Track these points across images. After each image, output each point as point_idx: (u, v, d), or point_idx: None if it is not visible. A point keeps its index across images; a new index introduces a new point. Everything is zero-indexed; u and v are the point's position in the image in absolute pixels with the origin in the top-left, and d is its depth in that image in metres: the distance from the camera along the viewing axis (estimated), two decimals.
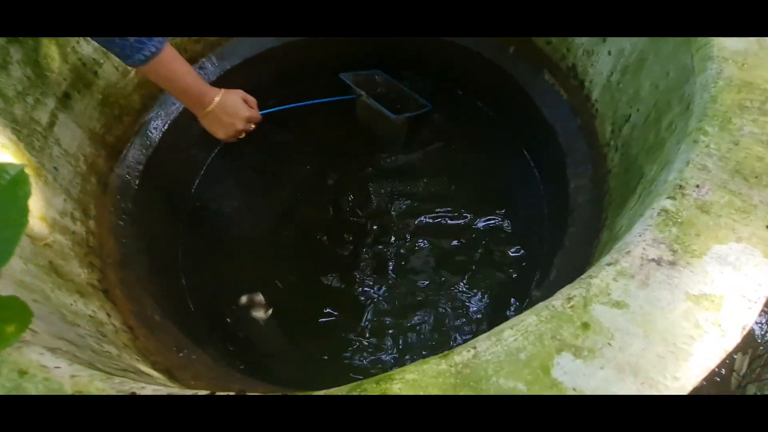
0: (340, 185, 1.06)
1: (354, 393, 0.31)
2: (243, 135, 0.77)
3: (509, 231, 0.99)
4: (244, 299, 0.92)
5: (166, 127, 0.93)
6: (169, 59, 0.63)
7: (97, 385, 0.31)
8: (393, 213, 1.01)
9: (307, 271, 0.95)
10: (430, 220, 1.01)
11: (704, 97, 0.42)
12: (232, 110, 0.72)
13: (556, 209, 0.92)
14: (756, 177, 0.36)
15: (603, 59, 0.74)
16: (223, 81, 1.03)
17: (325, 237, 0.99)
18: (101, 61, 0.80)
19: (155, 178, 0.91)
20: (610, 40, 0.71)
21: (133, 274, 0.76)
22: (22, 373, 0.32)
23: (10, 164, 0.29)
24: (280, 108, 0.88)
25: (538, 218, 0.98)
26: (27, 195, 0.30)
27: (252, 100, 0.78)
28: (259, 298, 0.92)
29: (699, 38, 0.47)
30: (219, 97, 0.70)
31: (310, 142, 1.11)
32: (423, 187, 1.05)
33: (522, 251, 0.96)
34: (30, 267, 0.52)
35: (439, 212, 1.02)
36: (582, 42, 0.79)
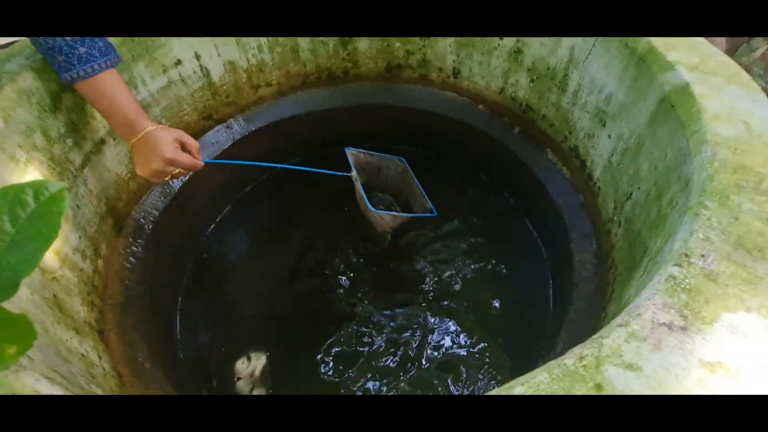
0: (343, 252, 1.07)
1: None
2: (168, 178, 0.68)
3: (515, 306, 0.97)
4: (234, 358, 0.89)
5: (186, 178, 0.98)
6: (104, 81, 0.63)
7: None
8: (393, 284, 1.00)
9: (298, 335, 0.93)
10: (433, 289, 1.01)
11: (702, 175, 0.44)
12: (153, 146, 0.64)
13: (561, 283, 0.92)
14: (759, 251, 0.37)
15: (603, 142, 0.79)
16: (247, 140, 1.11)
17: (320, 303, 0.97)
18: None
19: (168, 226, 0.93)
20: (609, 124, 0.77)
21: (131, 320, 0.74)
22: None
23: (53, 182, 0.31)
24: (238, 162, 0.84)
25: (543, 292, 0.98)
26: (61, 212, 0.31)
27: (192, 144, 0.70)
28: (249, 357, 0.89)
29: (693, 124, 0.51)
30: (147, 130, 0.65)
31: (319, 204, 1.15)
32: (428, 257, 1.06)
33: (528, 325, 0.94)
34: (35, 297, 0.52)
35: (444, 282, 1.02)
36: (583, 126, 0.85)
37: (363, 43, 1.09)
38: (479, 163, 1.20)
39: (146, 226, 0.90)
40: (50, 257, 0.61)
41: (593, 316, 0.71)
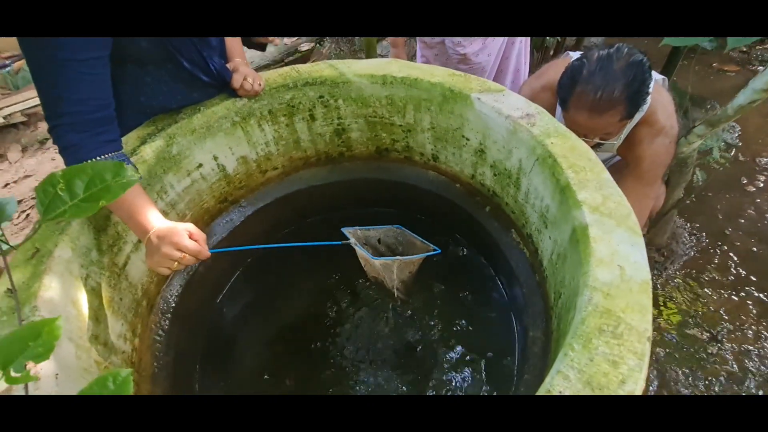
0: (339, 317, 1.24)
1: None
2: (176, 266, 0.74)
3: (483, 370, 1.12)
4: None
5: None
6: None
7: None
8: (378, 346, 1.16)
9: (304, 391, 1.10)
10: (410, 347, 1.17)
11: (578, 318, 0.60)
12: (162, 236, 0.73)
13: (522, 353, 1.07)
14: (600, 389, 0.53)
15: (546, 240, 0.94)
16: (257, 214, 1.30)
17: (319, 357, 1.15)
18: (168, 211, 1.06)
19: (188, 299, 1.12)
20: (549, 228, 0.92)
21: (160, 388, 0.93)
22: None
23: (120, 372, 0.48)
24: (241, 248, 0.92)
25: (509, 358, 1.12)
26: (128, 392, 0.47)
27: (199, 234, 0.77)
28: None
29: (584, 265, 0.67)
30: (158, 225, 0.74)
31: (319, 264, 1.32)
32: (411, 317, 1.22)
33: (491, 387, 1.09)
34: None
35: (422, 341, 1.18)
36: (534, 221, 1.00)
37: (355, 134, 1.27)
38: (457, 231, 1.36)
39: (172, 301, 1.09)
40: (102, 349, 0.80)
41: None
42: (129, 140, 0.95)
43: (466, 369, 1.11)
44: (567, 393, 0.53)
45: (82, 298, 0.77)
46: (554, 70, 1.17)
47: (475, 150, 1.11)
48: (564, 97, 1.02)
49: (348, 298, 1.28)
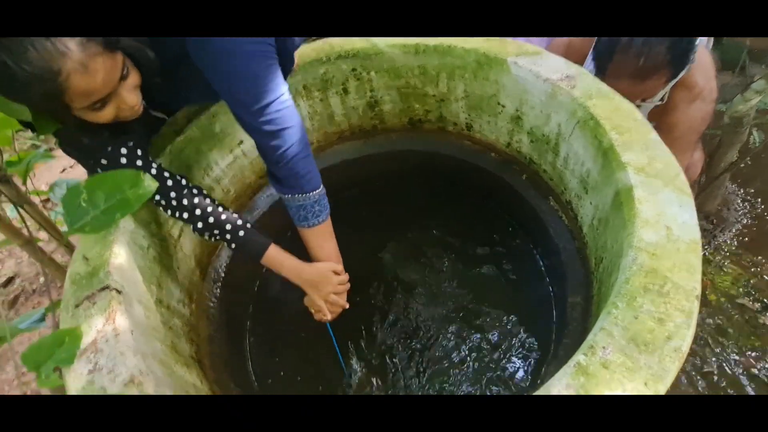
0: (379, 283, 1.27)
1: None
2: (340, 305, 0.94)
3: (517, 334, 1.13)
4: (293, 375, 1.13)
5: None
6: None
7: None
8: (420, 316, 1.19)
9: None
10: (451, 319, 1.19)
11: (621, 278, 0.60)
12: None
13: (560, 319, 1.07)
14: (645, 345, 0.53)
15: (587, 206, 0.93)
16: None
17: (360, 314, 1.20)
18: (213, 186, 1.12)
19: (236, 268, 1.19)
20: (590, 193, 0.90)
21: (216, 349, 1.01)
22: None
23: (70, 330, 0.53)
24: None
25: (546, 326, 1.12)
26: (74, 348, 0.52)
27: (338, 268, 0.93)
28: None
29: (629, 226, 0.66)
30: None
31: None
32: (447, 286, 1.25)
33: (528, 361, 1.09)
34: (163, 347, 0.77)
35: (459, 313, 1.20)
36: (574, 187, 0.98)
37: (387, 106, 1.27)
38: (494, 200, 1.35)
39: (221, 271, 1.16)
40: (165, 312, 0.87)
41: None
42: (177, 119, 1.00)
43: (503, 335, 1.13)
44: (610, 348, 0.53)
45: (146, 266, 0.84)
46: None
47: (511, 117, 1.09)
48: (602, 65, 0.97)
49: (391, 265, 1.31)
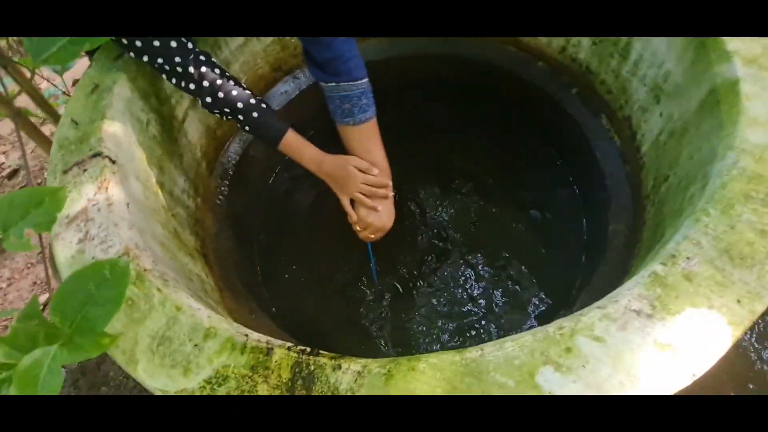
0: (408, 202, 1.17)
1: (389, 366, 0.43)
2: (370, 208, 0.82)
3: (545, 262, 1.06)
4: (299, 276, 1.08)
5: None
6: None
7: (223, 326, 0.47)
8: (449, 241, 1.11)
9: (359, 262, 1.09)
10: (473, 230, 1.11)
11: (716, 182, 0.49)
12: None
13: (593, 248, 0.99)
14: (741, 258, 0.43)
15: (655, 118, 0.79)
16: (313, 89, 1.19)
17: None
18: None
19: (246, 167, 1.09)
20: (663, 102, 0.76)
21: (223, 245, 0.94)
22: (178, 308, 0.48)
23: (121, 260, 0.42)
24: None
25: (576, 253, 1.04)
26: (126, 284, 0.40)
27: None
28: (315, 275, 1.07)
29: (729, 126, 0.53)
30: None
31: None
32: (473, 211, 1.15)
33: (553, 282, 1.03)
34: (165, 232, 0.70)
35: (486, 223, 1.11)
36: (639, 98, 0.84)
37: None
38: (532, 119, 1.21)
39: (230, 169, 1.06)
40: (168, 197, 0.79)
41: (612, 285, 0.79)
42: None
43: (531, 262, 1.06)
44: (696, 259, 0.44)
45: (145, 143, 0.74)
46: None
47: None
48: None
49: (419, 182, 1.21)
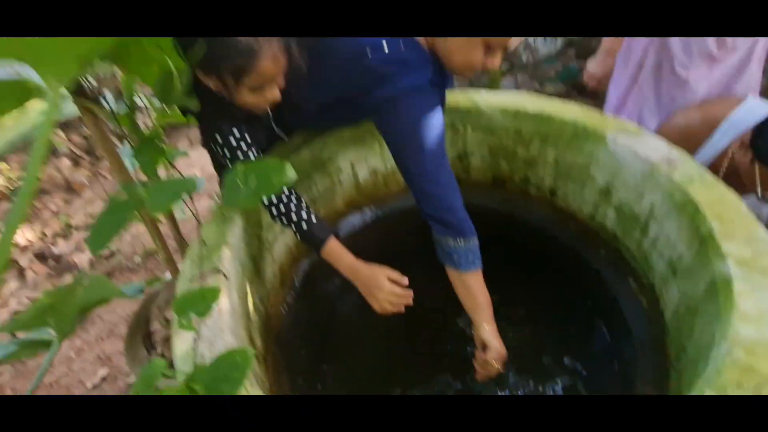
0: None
1: None
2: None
3: None
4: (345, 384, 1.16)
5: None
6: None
7: None
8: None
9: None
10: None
11: (712, 367, 0.58)
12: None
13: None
14: None
15: (674, 291, 0.89)
16: (376, 223, 1.43)
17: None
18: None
19: (312, 280, 1.28)
20: (679, 278, 0.87)
21: (281, 350, 1.08)
22: None
23: (243, 349, 0.59)
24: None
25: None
26: (247, 368, 0.52)
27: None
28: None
29: (724, 317, 0.64)
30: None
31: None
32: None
33: None
34: (245, 336, 0.86)
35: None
36: (660, 270, 0.96)
37: (476, 160, 1.35)
38: (564, 273, 1.33)
39: (297, 281, 1.26)
40: (251, 306, 0.96)
41: None
42: (295, 139, 1.15)
43: None
44: None
45: (246, 261, 0.95)
46: (722, 107, 1.13)
47: (600, 189, 1.11)
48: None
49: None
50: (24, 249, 2.35)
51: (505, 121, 1.20)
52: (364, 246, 1.40)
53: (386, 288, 0.95)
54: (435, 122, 0.91)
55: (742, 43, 1.39)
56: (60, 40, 0.55)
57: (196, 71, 0.82)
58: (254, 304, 0.99)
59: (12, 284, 2.18)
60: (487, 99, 1.22)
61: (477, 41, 0.87)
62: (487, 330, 0.97)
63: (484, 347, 0.97)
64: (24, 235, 2.45)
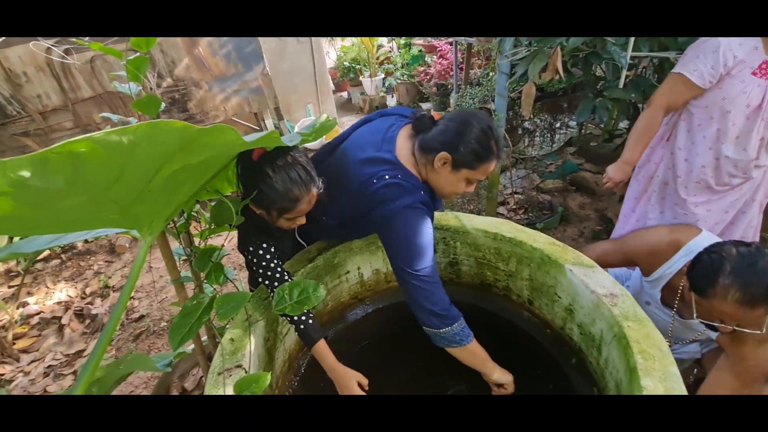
0: None
1: None
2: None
3: None
4: None
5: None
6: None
7: None
8: None
9: None
10: None
11: None
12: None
13: None
14: None
15: None
16: (375, 312, 1.63)
17: None
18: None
19: (313, 368, 1.46)
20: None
21: None
22: None
23: (261, 374, 0.80)
24: None
25: None
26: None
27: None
28: None
29: None
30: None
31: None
32: None
33: None
34: None
35: None
36: (611, 388, 1.11)
37: (465, 267, 1.57)
38: (543, 371, 1.48)
39: (302, 367, 1.44)
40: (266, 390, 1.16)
41: None
42: (312, 249, 1.41)
43: None
44: None
45: (263, 352, 1.16)
46: (685, 233, 1.31)
47: (565, 307, 1.30)
48: (702, 286, 1.08)
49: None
50: (67, 307, 2.62)
51: (486, 241, 1.44)
52: (361, 331, 1.59)
53: (353, 390, 1.14)
54: (424, 233, 1.14)
55: (744, 184, 1.62)
56: (156, 206, 0.83)
57: (250, 204, 1.09)
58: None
59: (51, 339, 2.42)
60: (472, 221, 1.47)
61: (461, 177, 1.15)
62: (495, 373, 1.21)
63: (498, 385, 1.23)
64: (67, 293, 2.73)
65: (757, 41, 1.43)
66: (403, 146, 1.19)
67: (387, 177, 1.14)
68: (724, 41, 1.43)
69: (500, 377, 1.21)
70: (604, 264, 1.38)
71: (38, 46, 2.63)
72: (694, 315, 1.15)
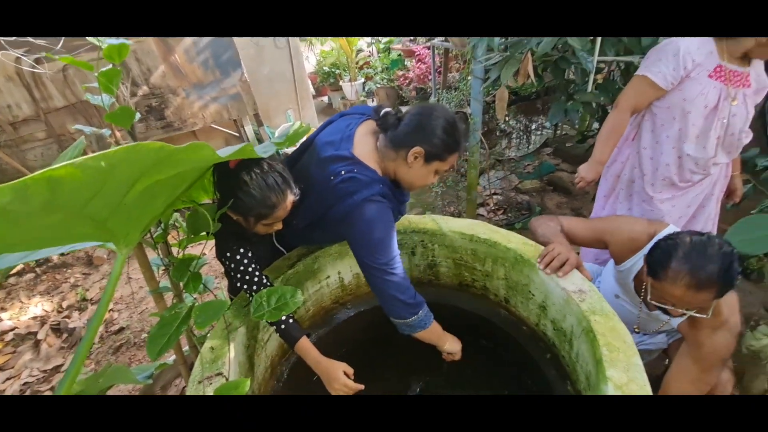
0: None
1: None
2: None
3: None
4: None
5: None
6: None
7: None
8: None
9: None
10: None
11: None
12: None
13: None
14: None
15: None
16: (358, 315, 1.65)
17: None
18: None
19: (296, 372, 1.48)
20: (593, 391, 1.08)
21: None
22: None
23: (241, 380, 0.82)
24: None
25: None
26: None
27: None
28: None
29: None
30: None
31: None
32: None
33: None
34: None
35: None
36: (582, 381, 1.16)
37: (443, 269, 1.61)
38: (519, 368, 1.52)
39: (284, 372, 1.45)
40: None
41: None
42: (292, 256, 1.42)
43: None
44: None
45: (244, 359, 1.17)
46: (657, 226, 1.37)
47: (538, 305, 1.35)
48: (656, 269, 1.13)
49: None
50: (43, 322, 2.56)
51: (463, 243, 1.48)
52: (343, 333, 1.61)
53: (341, 380, 1.18)
54: (385, 225, 1.16)
55: (704, 180, 1.70)
56: (132, 218, 0.84)
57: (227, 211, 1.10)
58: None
59: (27, 356, 2.36)
60: (448, 224, 1.51)
61: (432, 170, 1.20)
62: (447, 344, 1.34)
63: (448, 354, 1.36)
64: (43, 307, 2.67)
65: (711, 46, 1.51)
66: (362, 143, 1.20)
67: (343, 172, 1.15)
68: (683, 45, 1.50)
69: (451, 347, 1.35)
70: (572, 238, 1.42)
71: (7, 55, 2.57)
72: (649, 297, 1.20)
